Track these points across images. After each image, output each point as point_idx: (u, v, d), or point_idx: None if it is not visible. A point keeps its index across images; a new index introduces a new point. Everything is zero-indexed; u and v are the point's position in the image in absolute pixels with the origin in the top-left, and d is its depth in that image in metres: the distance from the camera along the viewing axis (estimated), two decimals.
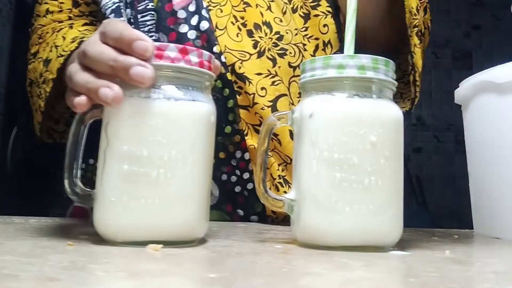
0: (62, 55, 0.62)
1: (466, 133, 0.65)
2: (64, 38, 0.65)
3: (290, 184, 0.63)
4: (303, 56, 0.68)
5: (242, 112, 0.64)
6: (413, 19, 0.66)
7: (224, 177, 0.65)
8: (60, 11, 0.73)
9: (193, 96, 0.41)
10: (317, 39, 0.69)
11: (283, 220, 0.65)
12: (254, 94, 0.64)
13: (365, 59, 0.41)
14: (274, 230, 0.56)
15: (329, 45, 0.69)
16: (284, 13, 0.69)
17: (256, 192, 0.44)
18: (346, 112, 0.41)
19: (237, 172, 0.65)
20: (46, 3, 0.73)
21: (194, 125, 0.40)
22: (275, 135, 0.64)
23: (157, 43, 0.40)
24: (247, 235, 0.50)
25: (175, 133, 0.39)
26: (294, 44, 0.68)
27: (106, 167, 0.39)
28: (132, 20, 0.65)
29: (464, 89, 0.63)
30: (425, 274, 0.32)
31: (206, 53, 0.42)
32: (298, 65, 0.66)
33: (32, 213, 0.64)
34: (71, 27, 0.70)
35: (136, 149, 0.38)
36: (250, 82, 0.64)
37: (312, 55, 0.68)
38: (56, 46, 0.64)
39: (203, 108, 0.41)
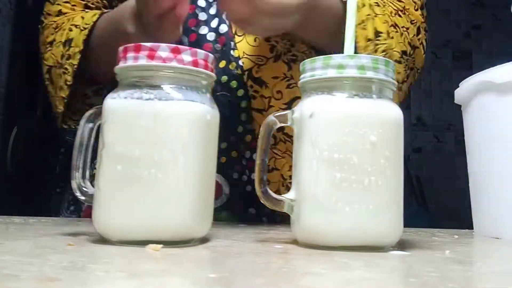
0: (85, 28, 0.65)
1: (466, 133, 0.65)
2: (83, 18, 0.67)
3: None
4: None
5: (257, 115, 0.66)
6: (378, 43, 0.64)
7: (236, 175, 0.66)
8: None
9: (187, 96, 0.40)
10: None
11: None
12: (270, 97, 0.65)
13: (365, 59, 0.41)
14: (274, 230, 0.56)
15: None
16: None
17: (256, 192, 0.44)
18: (346, 112, 0.41)
19: (247, 172, 0.66)
20: (59, 4, 0.73)
21: (186, 125, 0.40)
22: (289, 136, 0.65)
23: (149, 44, 0.40)
24: (247, 235, 0.50)
25: (166, 133, 0.39)
26: (303, 52, 0.69)
27: (102, 167, 0.40)
28: None
29: (464, 89, 0.63)
30: (425, 274, 0.32)
31: (201, 51, 0.41)
32: None
33: (32, 213, 0.64)
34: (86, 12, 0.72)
35: (129, 149, 0.39)
36: (267, 86, 0.65)
37: None
38: (76, 26, 0.67)
39: (196, 108, 0.41)
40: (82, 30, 0.65)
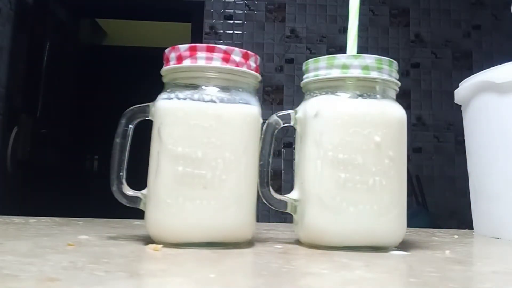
0: None
1: (466, 133, 0.65)
2: None
3: None
4: None
5: None
6: None
7: None
8: None
9: (244, 99, 0.41)
10: None
11: None
12: None
13: (369, 59, 0.41)
14: (274, 230, 0.56)
15: None
16: None
17: (260, 193, 0.44)
18: (351, 112, 0.41)
19: None
20: None
21: (246, 127, 0.40)
22: None
23: (223, 46, 0.40)
24: None
25: (229, 135, 0.39)
26: None
27: (160, 168, 0.39)
28: None
29: (464, 89, 0.63)
30: (425, 274, 0.32)
31: (251, 54, 0.42)
32: None
33: (32, 213, 0.64)
34: None
35: (191, 150, 0.38)
36: None
37: None
38: None
39: (253, 110, 0.41)
40: None
